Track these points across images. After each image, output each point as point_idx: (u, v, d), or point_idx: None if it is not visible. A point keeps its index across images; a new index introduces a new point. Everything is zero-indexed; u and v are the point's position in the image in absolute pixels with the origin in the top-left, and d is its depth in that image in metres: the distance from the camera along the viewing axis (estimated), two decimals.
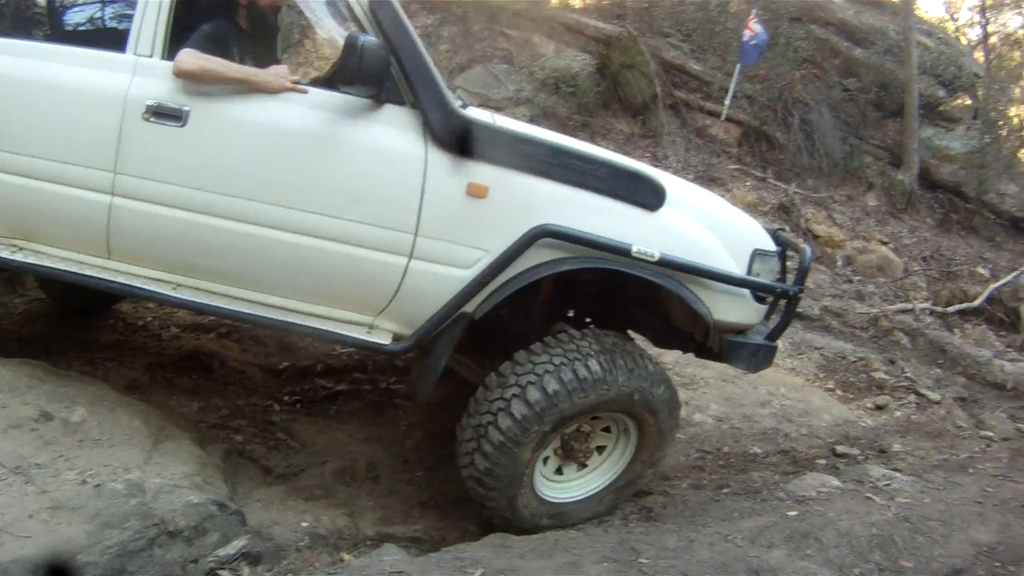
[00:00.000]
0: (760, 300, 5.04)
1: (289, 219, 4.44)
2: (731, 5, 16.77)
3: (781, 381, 8.51)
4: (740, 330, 5.11)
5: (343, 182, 4.45)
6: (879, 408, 8.85)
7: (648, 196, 4.71)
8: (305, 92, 4.49)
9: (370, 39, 4.14)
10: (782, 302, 5.10)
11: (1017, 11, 28.12)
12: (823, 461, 7.01)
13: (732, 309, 4.93)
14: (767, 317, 5.28)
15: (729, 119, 15.15)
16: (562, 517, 5.11)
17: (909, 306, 12.71)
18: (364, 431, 5.95)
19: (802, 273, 5.01)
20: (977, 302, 13.85)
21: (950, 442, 8.12)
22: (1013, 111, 23.42)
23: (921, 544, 5.02)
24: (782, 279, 5.22)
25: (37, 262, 4.64)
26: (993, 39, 28.62)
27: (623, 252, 4.55)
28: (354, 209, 4.43)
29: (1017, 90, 24.83)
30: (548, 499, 5.06)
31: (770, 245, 5.14)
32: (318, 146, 4.45)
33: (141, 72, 4.47)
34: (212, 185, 4.44)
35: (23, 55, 4.56)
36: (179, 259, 4.64)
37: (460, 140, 4.43)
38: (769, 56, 15.25)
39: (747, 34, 14.24)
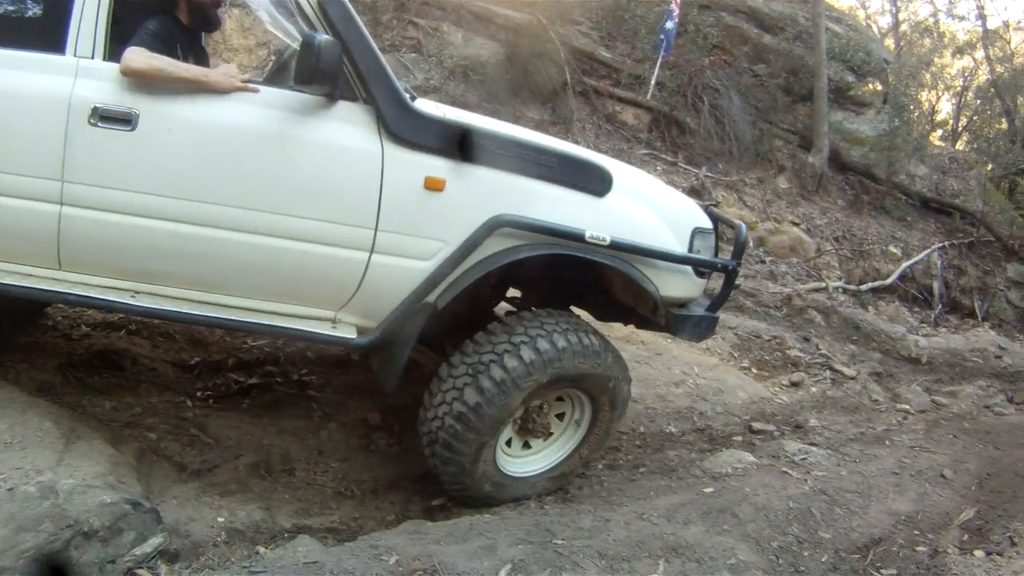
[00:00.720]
0: (700, 275, 5.27)
1: (246, 220, 4.42)
2: None
3: (695, 361, 8.58)
4: (683, 304, 5.34)
5: (300, 180, 4.44)
6: (794, 385, 8.97)
7: (596, 183, 4.88)
8: (256, 91, 4.44)
9: (326, 38, 4.17)
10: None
11: None
12: (739, 438, 7.07)
13: (676, 285, 5.14)
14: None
15: (638, 104, 15.29)
16: (501, 490, 5.17)
17: (822, 285, 12.92)
18: (278, 424, 5.87)
19: (739, 248, 5.25)
20: (890, 280, 14.16)
21: (866, 416, 8.26)
22: (923, 95, 23.96)
23: (839, 515, 5.12)
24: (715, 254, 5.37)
25: None
26: (904, 27, 29.24)
27: (577, 238, 4.71)
28: (313, 207, 4.44)
29: (927, 75, 25.39)
30: (499, 466, 5.13)
31: (707, 223, 5.33)
32: (273, 145, 4.42)
33: (84, 75, 4.33)
34: (166, 189, 4.36)
35: None
36: (135, 266, 4.56)
37: (415, 134, 4.50)
38: (679, 43, 15.43)
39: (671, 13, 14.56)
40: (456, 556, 4.11)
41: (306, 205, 4.44)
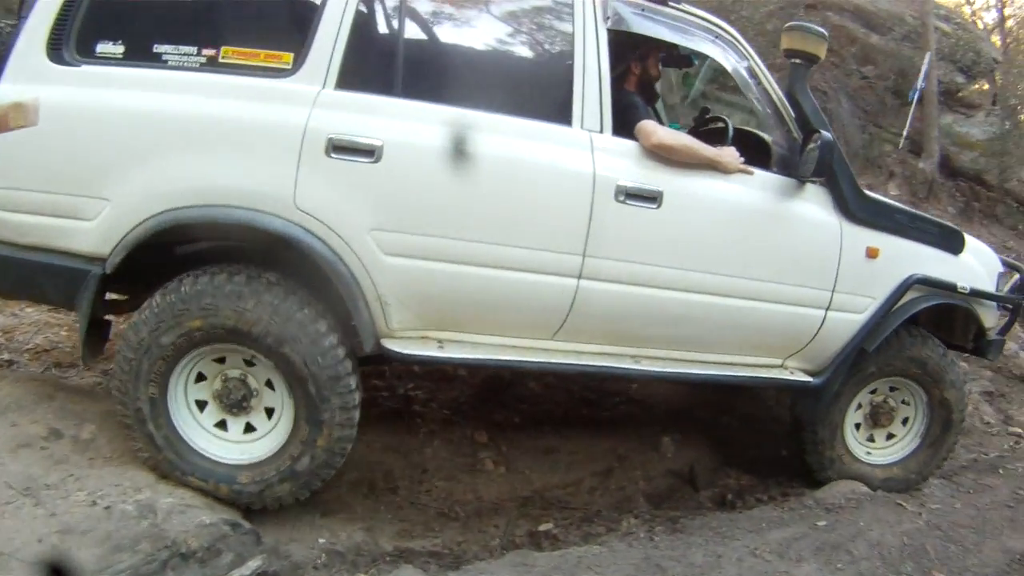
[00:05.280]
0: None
1: (740, 287, 5.07)
2: None
3: None
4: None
5: (785, 251, 5.19)
6: None
7: (958, 244, 5.88)
8: (751, 174, 5.05)
9: (829, 136, 4.95)
10: None
11: None
12: None
13: (991, 318, 6.18)
14: None
15: None
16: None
17: None
18: (382, 440, 5.80)
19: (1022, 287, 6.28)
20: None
21: (978, 439, 8.02)
22: None
23: (953, 553, 5.02)
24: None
25: (470, 356, 4.72)
26: (1010, 23, 28.22)
27: (952, 288, 5.71)
28: (792, 273, 5.21)
29: None
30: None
31: (1001, 266, 6.30)
32: (765, 221, 5.13)
33: (600, 149, 4.61)
34: (684, 262, 4.88)
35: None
36: (635, 332, 5.07)
37: (863, 212, 5.37)
38: None
39: None
40: None
41: (787, 272, 5.20)
